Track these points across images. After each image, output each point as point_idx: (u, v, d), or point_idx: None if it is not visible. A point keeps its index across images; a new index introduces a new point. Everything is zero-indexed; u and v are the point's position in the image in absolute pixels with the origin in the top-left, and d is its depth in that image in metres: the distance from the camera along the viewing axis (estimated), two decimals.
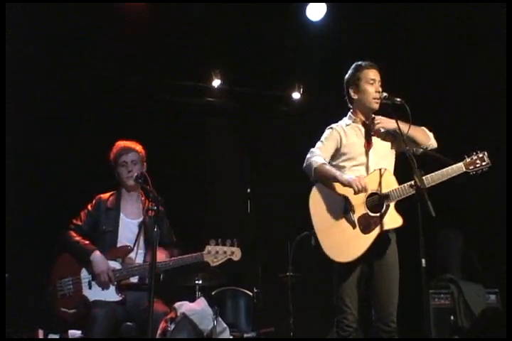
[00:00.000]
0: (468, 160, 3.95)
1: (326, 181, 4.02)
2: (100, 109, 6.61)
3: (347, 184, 3.89)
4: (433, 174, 3.90)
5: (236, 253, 4.41)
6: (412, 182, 3.80)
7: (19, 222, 5.79)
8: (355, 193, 3.87)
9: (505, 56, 5.38)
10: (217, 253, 4.38)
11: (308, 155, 4.11)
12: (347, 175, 3.94)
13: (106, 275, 4.31)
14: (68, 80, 6.44)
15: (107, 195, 4.65)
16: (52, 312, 4.34)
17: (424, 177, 3.80)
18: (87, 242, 4.40)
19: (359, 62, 4.22)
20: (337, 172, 3.96)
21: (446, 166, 3.94)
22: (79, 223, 4.51)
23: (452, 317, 5.72)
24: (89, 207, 4.58)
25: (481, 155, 3.96)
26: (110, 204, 4.57)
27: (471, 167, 3.93)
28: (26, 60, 5.92)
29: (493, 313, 5.22)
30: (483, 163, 3.94)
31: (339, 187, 3.97)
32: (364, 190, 3.87)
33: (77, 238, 4.42)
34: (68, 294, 4.33)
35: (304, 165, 4.10)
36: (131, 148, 4.60)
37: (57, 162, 6.29)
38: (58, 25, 6.14)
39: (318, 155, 4.06)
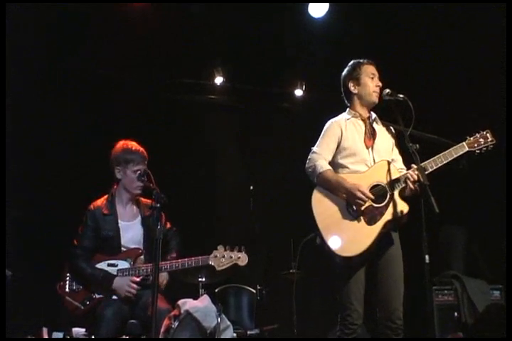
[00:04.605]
0: (471, 139, 3.96)
1: (327, 188, 4.02)
2: (102, 107, 6.61)
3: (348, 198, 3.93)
4: (436, 157, 3.91)
5: (242, 258, 4.40)
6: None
7: (23, 219, 5.80)
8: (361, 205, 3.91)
9: (505, 56, 5.38)
10: (224, 257, 4.38)
11: (310, 156, 4.12)
12: (348, 185, 3.92)
13: (131, 290, 4.33)
14: (69, 79, 6.45)
15: (100, 201, 4.60)
16: (60, 304, 4.38)
17: (427, 162, 3.84)
18: (101, 274, 4.35)
19: (357, 60, 4.26)
20: (339, 184, 3.95)
21: (449, 148, 3.93)
22: (79, 243, 4.47)
23: (456, 314, 5.73)
24: (84, 219, 4.53)
25: (484, 133, 3.96)
26: (106, 209, 4.53)
27: (475, 145, 3.93)
28: (26, 59, 5.91)
29: (497, 309, 5.21)
30: (488, 140, 3.94)
31: None
32: (366, 196, 3.89)
33: (89, 271, 4.36)
34: (77, 289, 4.39)
35: (307, 166, 4.10)
36: (145, 156, 4.54)
37: (58, 160, 6.30)
38: (58, 25, 6.15)
39: (323, 159, 4.07)
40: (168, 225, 4.69)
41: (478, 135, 3.97)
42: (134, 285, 4.34)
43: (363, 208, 3.92)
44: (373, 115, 4.23)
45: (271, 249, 6.62)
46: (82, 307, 4.32)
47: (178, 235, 4.71)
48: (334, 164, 4.14)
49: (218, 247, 4.40)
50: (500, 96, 5.58)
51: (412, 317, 4.50)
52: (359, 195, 3.89)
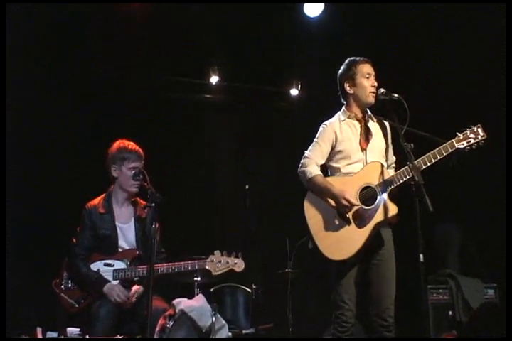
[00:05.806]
0: (461, 136, 3.89)
1: (317, 193, 4.04)
2: (102, 107, 6.62)
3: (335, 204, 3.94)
4: (425, 156, 3.87)
5: (239, 264, 4.42)
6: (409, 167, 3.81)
7: (20, 220, 5.81)
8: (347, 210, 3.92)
9: (505, 56, 5.37)
10: (220, 262, 4.40)
11: (302, 160, 4.12)
12: (334, 191, 3.92)
13: (117, 300, 4.30)
14: (69, 79, 6.45)
15: (97, 200, 4.60)
16: (55, 303, 4.41)
17: (417, 161, 3.79)
18: (95, 276, 4.38)
19: (353, 58, 4.21)
20: (327, 190, 3.95)
21: (439, 146, 3.89)
22: (77, 242, 4.48)
23: (450, 313, 5.71)
24: (81, 218, 4.54)
25: (475, 129, 3.89)
26: (102, 208, 4.53)
27: (465, 143, 3.86)
28: (26, 58, 5.92)
29: (491, 308, 5.20)
30: (479, 136, 3.87)
31: None
32: (350, 203, 3.89)
33: (85, 270, 4.39)
34: (72, 287, 4.42)
35: (299, 170, 4.12)
36: (141, 155, 4.55)
37: (58, 160, 6.29)
38: (58, 25, 6.16)
39: (314, 164, 4.08)
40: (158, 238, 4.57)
41: (468, 131, 3.90)
42: (122, 297, 4.31)
43: (349, 215, 3.93)
44: (368, 112, 4.21)
45: (267, 248, 6.60)
46: (77, 306, 4.35)
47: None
48: (328, 167, 4.16)
49: (215, 252, 4.42)
50: (500, 96, 5.56)
51: (407, 315, 4.50)
52: (344, 202, 3.90)
